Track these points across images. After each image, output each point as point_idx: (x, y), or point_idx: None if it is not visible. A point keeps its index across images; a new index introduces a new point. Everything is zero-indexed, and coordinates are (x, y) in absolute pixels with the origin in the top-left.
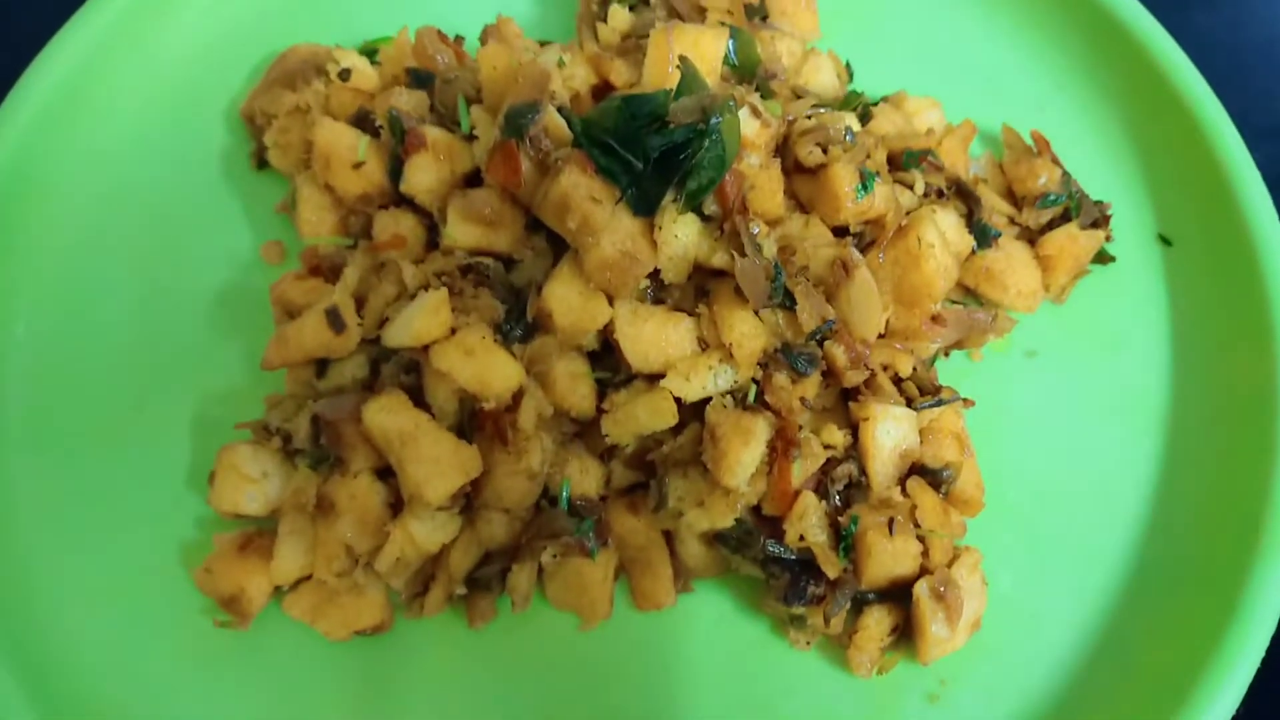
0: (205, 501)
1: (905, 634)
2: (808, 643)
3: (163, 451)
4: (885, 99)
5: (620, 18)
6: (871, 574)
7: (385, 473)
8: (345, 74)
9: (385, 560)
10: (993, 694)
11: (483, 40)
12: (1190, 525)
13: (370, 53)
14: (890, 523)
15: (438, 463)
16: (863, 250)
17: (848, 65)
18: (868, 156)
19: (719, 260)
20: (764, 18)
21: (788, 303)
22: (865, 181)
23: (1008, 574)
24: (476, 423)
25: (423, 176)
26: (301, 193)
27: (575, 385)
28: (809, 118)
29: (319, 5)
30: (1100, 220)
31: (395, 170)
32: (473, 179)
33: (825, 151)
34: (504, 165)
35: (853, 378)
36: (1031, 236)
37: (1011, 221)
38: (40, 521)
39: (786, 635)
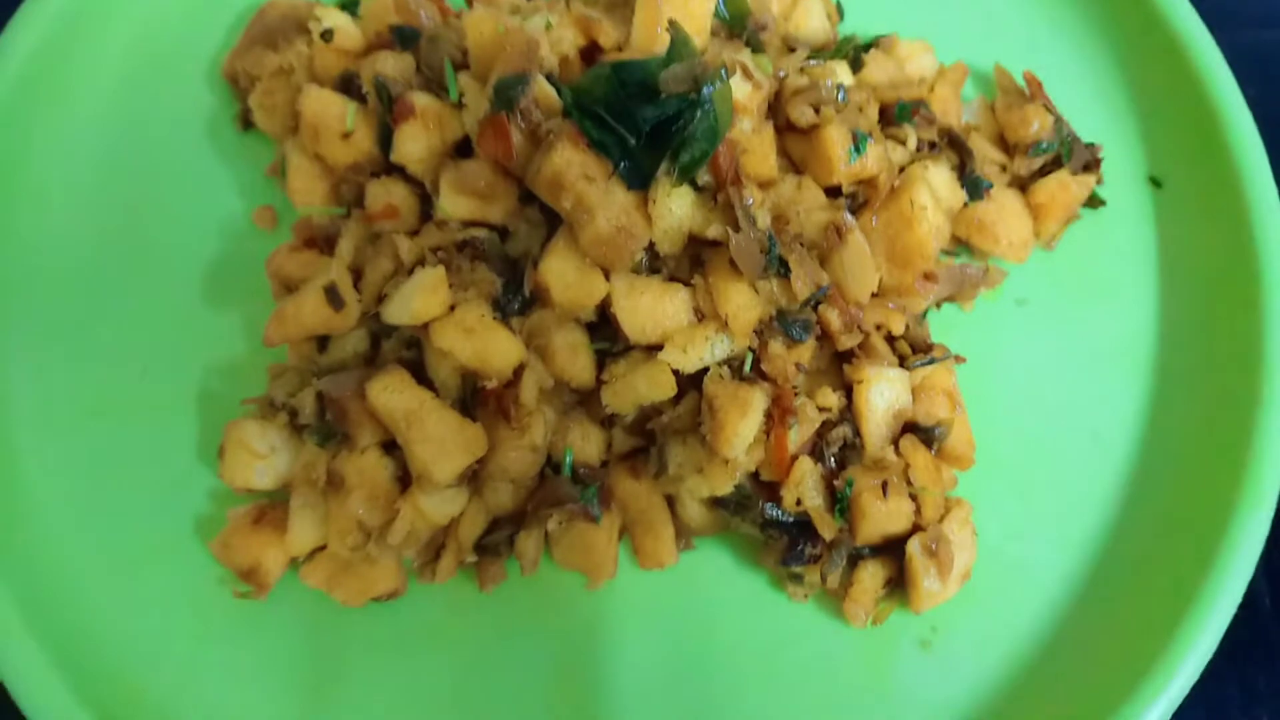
0: (216, 475)
1: (898, 585)
2: (805, 596)
3: (170, 425)
4: (877, 43)
5: None
6: (866, 533)
7: (392, 445)
8: (328, 34)
9: (396, 534)
10: (982, 640)
11: None
12: (1174, 472)
13: (351, 4)
14: (884, 485)
15: (444, 443)
16: (855, 211)
17: (838, 5)
18: (860, 111)
19: (714, 232)
20: None
21: (782, 271)
22: (858, 143)
23: (996, 523)
24: (479, 399)
25: (413, 146)
26: (291, 161)
27: (575, 357)
28: (801, 71)
29: None
30: (1091, 163)
31: (385, 138)
32: (464, 146)
33: (817, 112)
34: (495, 139)
35: (847, 341)
36: (1023, 183)
37: (1003, 169)
38: (55, 496)
39: (785, 589)
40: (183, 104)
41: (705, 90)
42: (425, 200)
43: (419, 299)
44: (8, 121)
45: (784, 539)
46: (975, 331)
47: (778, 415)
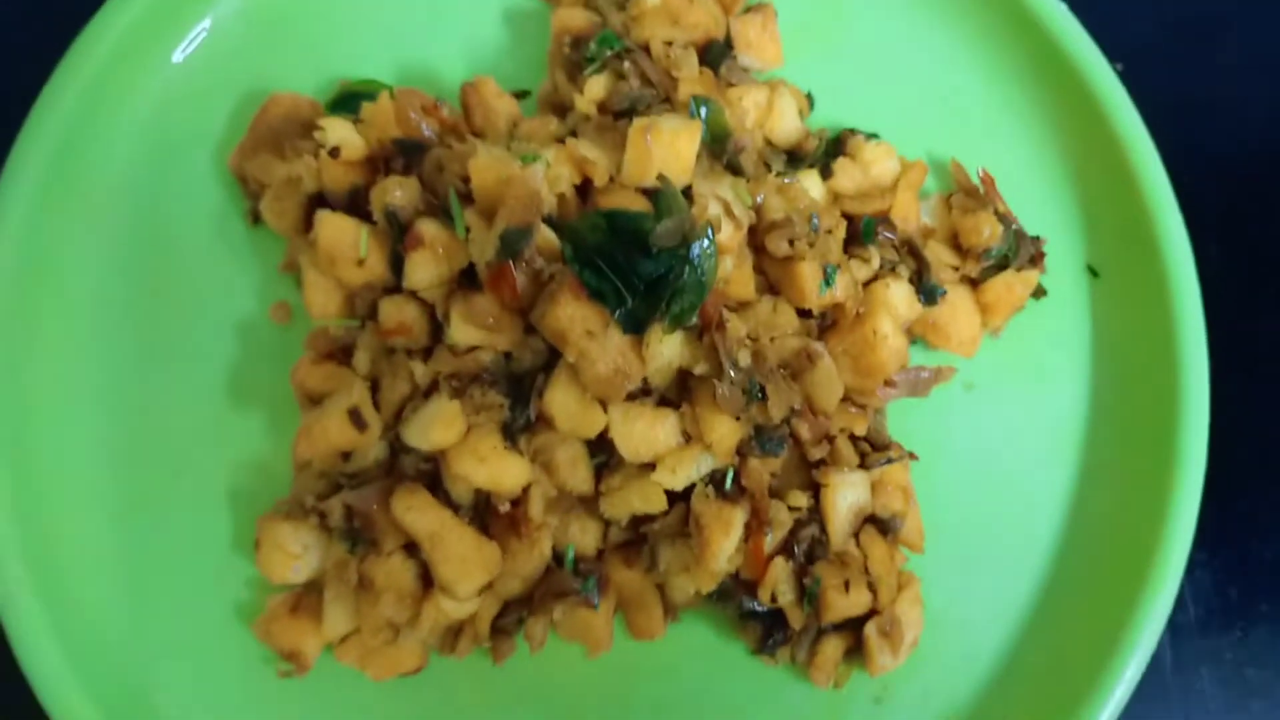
0: (251, 564)
1: (856, 651)
2: (776, 663)
3: (205, 520)
4: (844, 142)
5: (596, 88)
6: (829, 619)
7: (415, 545)
8: (335, 152)
9: (423, 629)
10: (928, 693)
11: (462, 100)
12: (1095, 545)
13: (350, 98)
14: (845, 584)
15: (464, 562)
16: (824, 329)
17: (809, 95)
18: (830, 234)
19: (700, 370)
20: (729, 45)
21: (760, 395)
22: (828, 276)
23: (940, 592)
24: (493, 514)
25: (423, 273)
26: (307, 277)
27: (575, 469)
28: (778, 191)
29: (289, 42)
30: (1036, 256)
31: (396, 259)
32: (470, 271)
33: (792, 244)
34: (503, 285)
35: (816, 452)
36: (973, 281)
37: (955, 269)
38: (104, 585)
39: (759, 657)
40: (193, 198)
41: (694, 250)
42: (435, 317)
43: (437, 431)
44: (31, 228)
45: (759, 627)
46: (926, 414)
47: (756, 525)
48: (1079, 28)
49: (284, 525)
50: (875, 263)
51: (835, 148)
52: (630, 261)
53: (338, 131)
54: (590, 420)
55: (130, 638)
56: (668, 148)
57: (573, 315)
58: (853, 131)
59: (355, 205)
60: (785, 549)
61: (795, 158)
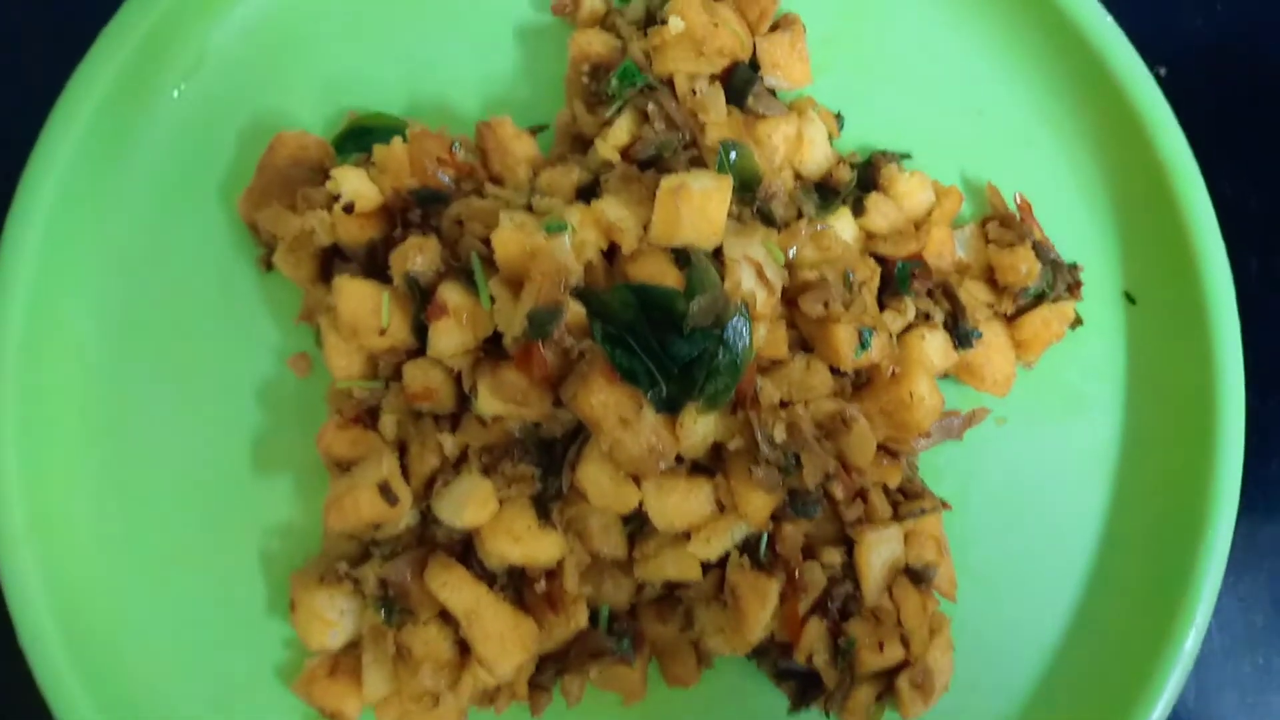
0: (287, 624)
1: (888, 692)
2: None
3: (237, 583)
4: (876, 177)
5: (619, 134)
6: (863, 674)
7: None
8: (349, 208)
9: (463, 696)
10: None
11: (478, 138)
12: (1127, 575)
13: (359, 133)
14: (880, 645)
15: (502, 640)
16: (858, 387)
17: (838, 115)
18: (864, 287)
19: (735, 445)
20: (754, 66)
21: (795, 463)
22: (864, 340)
23: (971, 624)
24: (527, 584)
25: (447, 341)
26: (327, 339)
27: (609, 536)
28: (811, 236)
29: (289, 71)
30: (1073, 286)
31: (419, 322)
32: (497, 337)
33: (826, 306)
34: (531, 365)
35: (851, 512)
36: (1008, 316)
37: (990, 306)
38: (148, 645)
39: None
40: (201, 245)
41: (728, 332)
42: (461, 381)
43: (470, 511)
44: (38, 288)
45: (794, 684)
46: (957, 451)
47: (791, 591)
48: (1122, 37)
49: (319, 593)
50: (910, 314)
51: (867, 175)
52: (663, 341)
53: (350, 182)
54: (624, 497)
55: (167, 700)
56: (698, 211)
57: (605, 401)
58: (885, 154)
59: (373, 260)
60: (819, 607)
61: (826, 190)
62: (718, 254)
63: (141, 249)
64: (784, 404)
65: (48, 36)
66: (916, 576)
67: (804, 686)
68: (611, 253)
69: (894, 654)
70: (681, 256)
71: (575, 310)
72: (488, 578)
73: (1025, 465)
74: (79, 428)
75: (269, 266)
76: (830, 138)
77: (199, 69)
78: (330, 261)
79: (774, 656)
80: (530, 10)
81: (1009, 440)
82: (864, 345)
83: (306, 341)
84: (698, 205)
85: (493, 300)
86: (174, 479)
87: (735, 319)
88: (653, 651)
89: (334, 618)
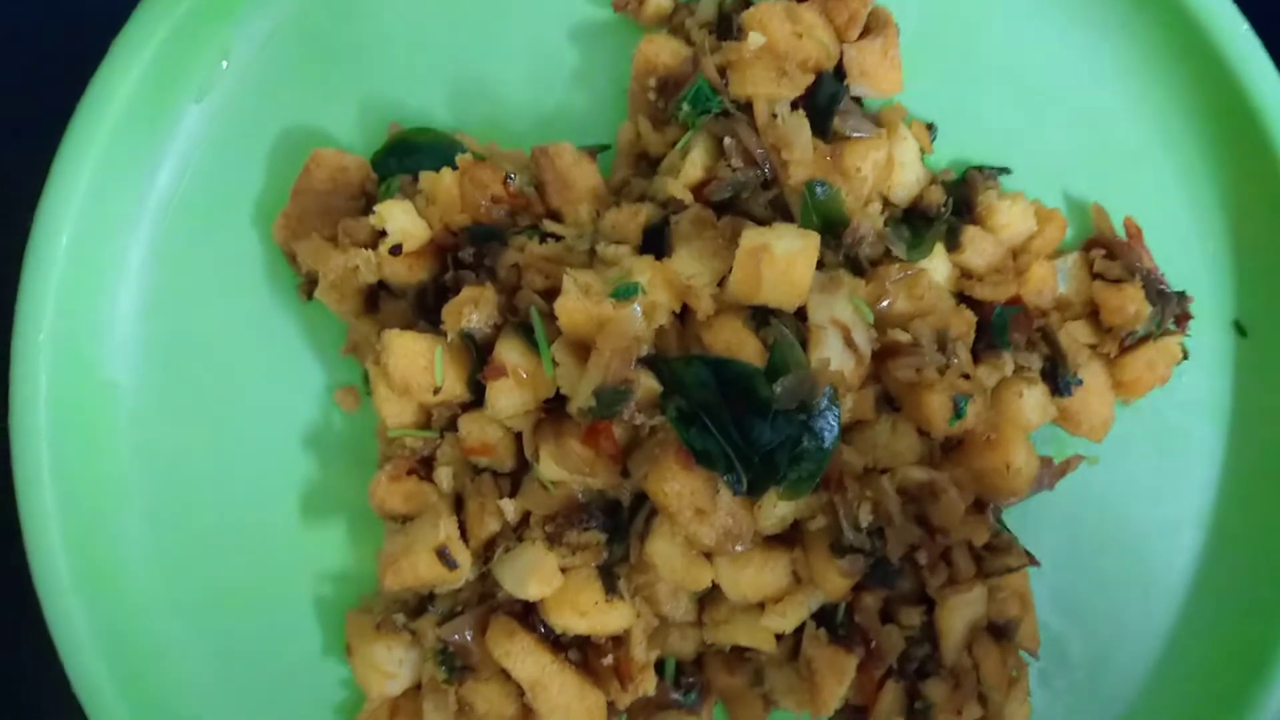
0: (341, 663)
1: None
2: None
3: (291, 625)
4: (972, 204)
5: (692, 171)
6: None
7: None
8: (396, 250)
9: None
10: None
11: (534, 166)
12: (1211, 636)
13: (403, 148)
14: (959, 712)
15: (569, 711)
16: (947, 449)
17: (930, 127)
18: (960, 341)
19: (816, 525)
20: (839, 75)
21: (878, 542)
22: (959, 409)
23: (1055, 665)
24: (593, 649)
25: (507, 402)
26: (378, 390)
27: (678, 601)
28: (903, 284)
29: (321, 75)
30: (1180, 318)
31: (476, 378)
32: (559, 396)
33: (918, 371)
34: (599, 441)
35: (935, 579)
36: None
37: (1092, 347)
38: (202, 691)
39: None
40: (236, 271)
41: (816, 421)
42: (519, 437)
43: (534, 586)
44: (63, 316)
45: None
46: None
47: (868, 659)
48: (1257, 46)
49: (377, 645)
50: (1008, 369)
51: (961, 195)
52: (741, 423)
53: (397, 220)
54: (696, 575)
55: None
56: (781, 275)
57: (680, 490)
58: (981, 171)
59: (423, 300)
60: (896, 669)
61: (916, 215)
62: (799, 313)
63: (170, 280)
64: (867, 470)
65: (54, 54)
66: (999, 632)
67: None
68: (684, 309)
69: (972, 715)
70: (760, 313)
71: (646, 385)
72: (552, 640)
73: (1115, 506)
74: (119, 475)
75: (310, 295)
76: (922, 153)
77: (220, 80)
78: (376, 295)
79: (847, 717)
80: (588, 6)
81: (1100, 482)
82: (959, 415)
83: (353, 372)
84: (782, 269)
85: (555, 364)
86: (220, 522)
87: (823, 405)
88: (719, 696)
89: (392, 669)
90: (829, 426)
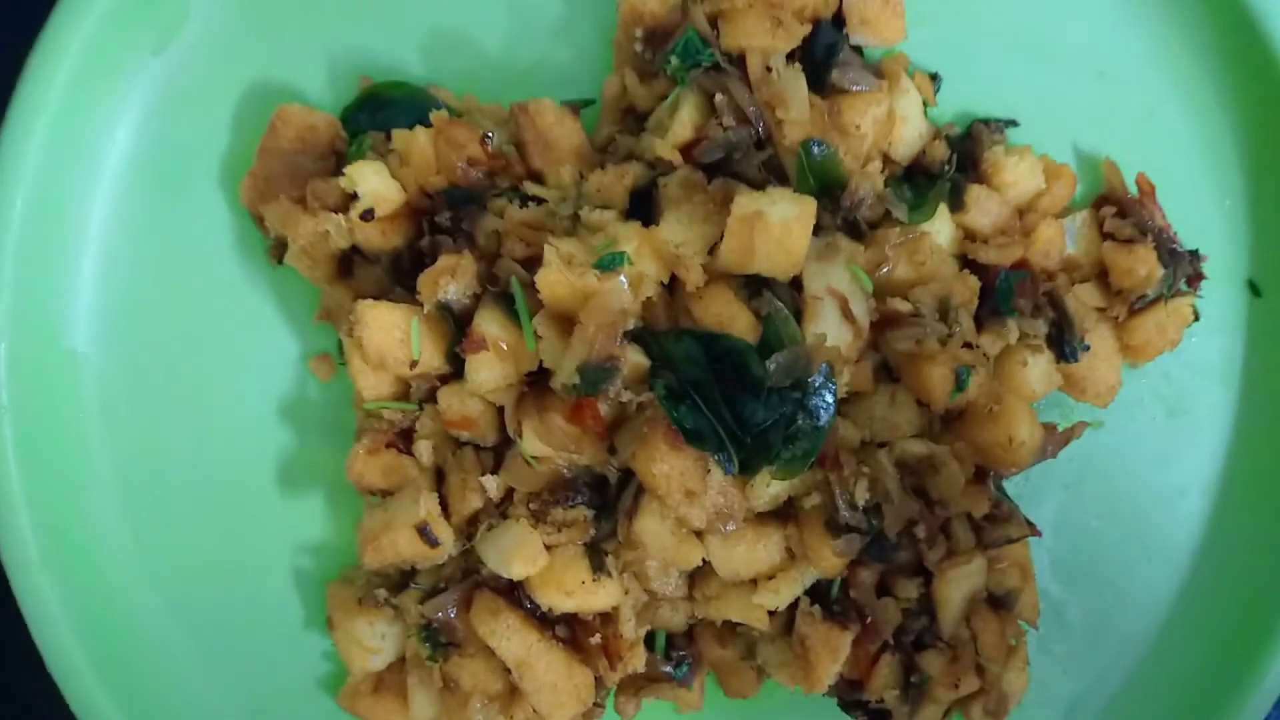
0: (327, 637)
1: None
2: None
3: (270, 598)
4: (978, 158)
5: (681, 130)
6: (935, 706)
7: None
8: (368, 215)
9: None
10: None
11: (513, 124)
12: (1219, 604)
13: (374, 103)
14: (956, 684)
15: (556, 690)
16: (947, 421)
17: (934, 77)
18: (963, 309)
19: (811, 503)
20: (837, 23)
21: (875, 518)
22: (961, 381)
23: (1057, 633)
24: (580, 626)
25: (487, 375)
26: (352, 361)
27: (667, 576)
28: (904, 247)
29: (288, 22)
30: (1191, 278)
31: (455, 351)
32: (543, 369)
33: (919, 343)
34: (584, 418)
35: (934, 553)
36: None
37: (1100, 310)
38: (178, 666)
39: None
40: (202, 235)
41: (811, 399)
42: (501, 410)
43: (518, 564)
44: (22, 282)
45: (863, 714)
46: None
47: (863, 634)
48: None
49: (359, 620)
50: (1012, 337)
51: (966, 150)
52: (733, 401)
53: (368, 182)
54: (686, 553)
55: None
56: (776, 242)
57: (669, 472)
58: (987, 124)
59: (399, 266)
60: (892, 643)
61: (918, 173)
62: (795, 282)
63: (133, 244)
64: (864, 444)
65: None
66: (998, 603)
67: (873, 715)
68: (672, 279)
69: (969, 687)
70: (753, 283)
71: (633, 360)
72: (539, 617)
73: (1120, 472)
74: (87, 449)
75: (280, 260)
76: (925, 106)
77: (181, 30)
78: (349, 260)
79: (841, 690)
80: None
81: (1105, 447)
82: (960, 387)
83: (328, 339)
84: (776, 237)
85: (538, 337)
86: (194, 495)
87: (819, 382)
88: (711, 668)
89: (375, 644)
90: (825, 404)
